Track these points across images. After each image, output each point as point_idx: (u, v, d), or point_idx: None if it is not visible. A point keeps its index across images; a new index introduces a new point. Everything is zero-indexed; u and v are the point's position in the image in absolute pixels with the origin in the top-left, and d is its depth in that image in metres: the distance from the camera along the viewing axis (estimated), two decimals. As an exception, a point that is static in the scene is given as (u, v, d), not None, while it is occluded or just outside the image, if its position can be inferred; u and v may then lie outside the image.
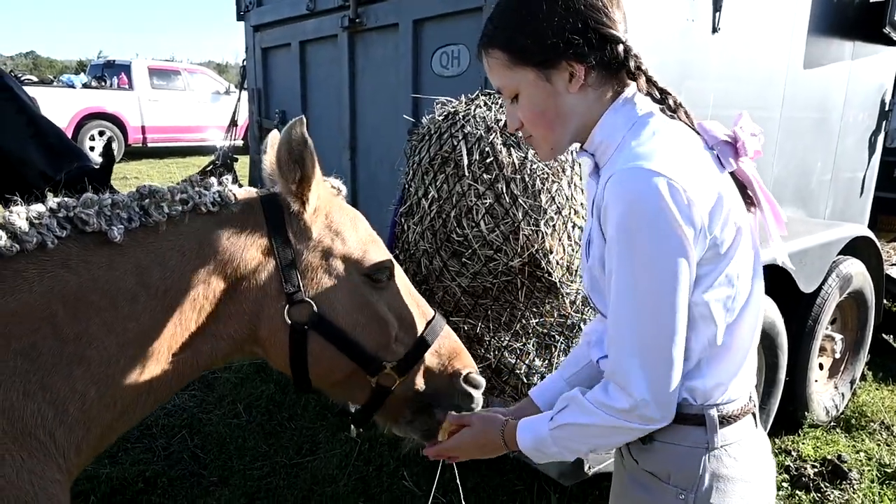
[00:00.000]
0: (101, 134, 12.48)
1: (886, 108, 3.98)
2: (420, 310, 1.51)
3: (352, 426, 1.57)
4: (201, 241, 1.29)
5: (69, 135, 11.69)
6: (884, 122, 4.01)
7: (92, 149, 11.98)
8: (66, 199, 1.23)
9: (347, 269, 1.40)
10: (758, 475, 1.22)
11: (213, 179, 1.38)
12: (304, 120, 1.29)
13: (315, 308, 1.34)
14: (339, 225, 1.42)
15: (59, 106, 11.60)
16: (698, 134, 1.19)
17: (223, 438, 3.45)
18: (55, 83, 13.20)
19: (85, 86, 12.97)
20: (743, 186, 1.21)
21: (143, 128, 13.13)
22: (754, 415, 1.25)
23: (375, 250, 1.45)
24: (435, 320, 1.52)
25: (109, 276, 1.20)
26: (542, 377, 1.96)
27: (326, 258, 1.39)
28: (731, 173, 1.19)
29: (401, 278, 1.51)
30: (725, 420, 1.17)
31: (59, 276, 1.16)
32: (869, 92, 3.83)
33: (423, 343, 1.47)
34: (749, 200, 1.22)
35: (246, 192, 1.41)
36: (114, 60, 14.31)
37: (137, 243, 1.25)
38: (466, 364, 1.53)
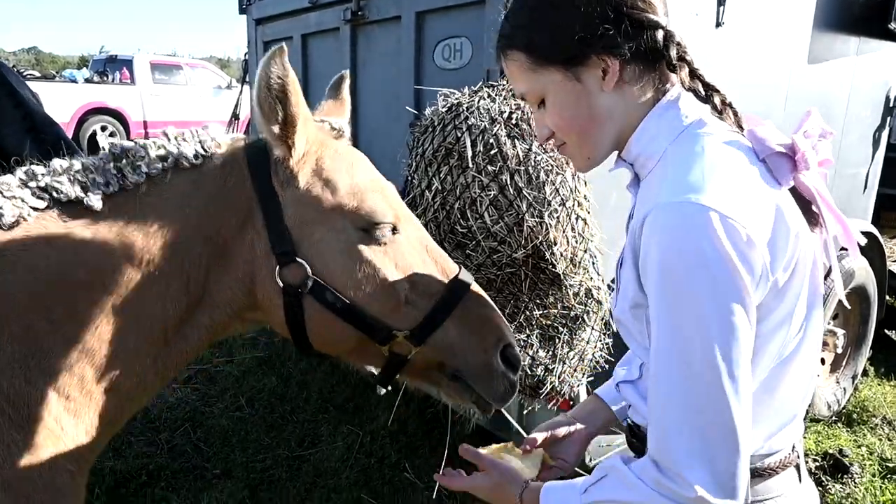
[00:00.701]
0: (104, 129, 12.47)
1: (891, 105, 3.97)
2: (439, 267, 1.31)
3: (377, 386, 1.39)
4: (181, 202, 1.18)
5: (71, 130, 11.71)
6: (888, 119, 3.99)
7: (95, 143, 11.99)
8: (32, 167, 1.13)
9: (342, 223, 1.23)
10: None
11: (195, 128, 1.26)
12: (285, 49, 1.13)
13: (309, 269, 1.20)
14: (331, 172, 1.24)
15: (61, 101, 11.58)
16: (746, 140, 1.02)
17: (226, 431, 3.46)
18: (57, 78, 13.18)
19: (87, 81, 12.95)
20: (804, 202, 1.03)
21: (144, 122, 13.11)
22: (798, 467, 1.08)
23: (374, 200, 1.25)
24: (459, 280, 1.30)
25: (93, 248, 1.11)
26: (547, 369, 1.96)
27: (318, 211, 1.22)
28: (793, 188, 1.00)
29: (413, 231, 1.32)
30: (761, 473, 1.03)
31: (41, 252, 1.08)
32: (873, 88, 3.82)
33: (443, 307, 1.27)
34: (812, 218, 1.03)
35: (231, 140, 1.28)
36: (116, 55, 14.29)
37: (118, 209, 1.14)
38: (502, 334, 1.30)
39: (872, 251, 3.64)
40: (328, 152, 1.27)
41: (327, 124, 1.34)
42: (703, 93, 1.05)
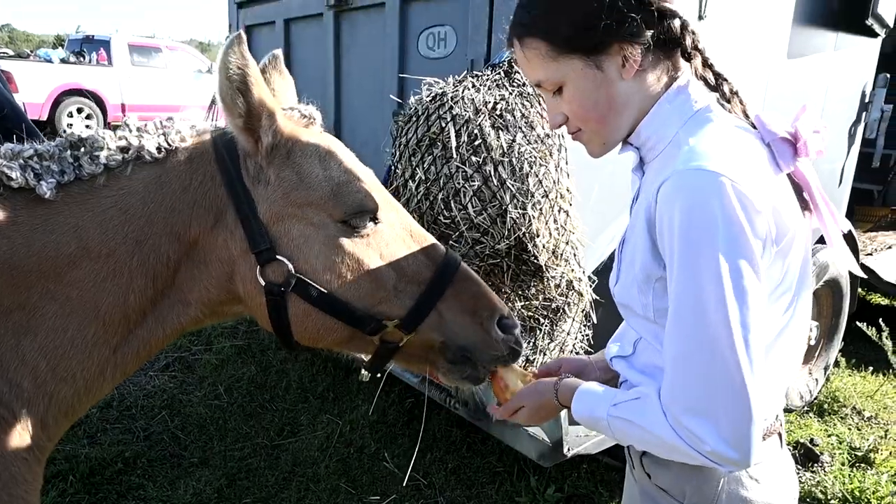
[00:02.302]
0: (80, 111, 12.22)
1: (866, 100, 4.03)
2: (425, 252, 1.28)
3: (362, 370, 1.38)
4: (145, 197, 1.13)
5: (46, 111, 11.46)
6: (863, 114, 4.06)
7: (70, 125, 11.75)
8: None
9: (319, 217, 1.19)
10: (779, 499, 1.12)
11: (160, 120, 1.20)
12: (244, 37, 1.07)
13: (291, 267, 1.16)
14: (303, 164, 1.20)
15: (35, 81, 11.34)
16: (754, 128, 1.07)
17: (203, 420, 3.44)
18: (32, 58, 12.85)
19: (63, 61, 12.66)
20: (798, 188, 1.09)
21: (123, 105, 12.87)
22: (780, 435, 1.14)
23: (351, 190, 1.21)
24: (447, 262, 1.28)
25: (45, 238, 1.08)
26: (528, 360, 1.97)
27: (293, 206, 1.18)
28: (788, 174, 1.06)
29: (395, 217, 1.29)
30: None
31: None
32: (850, 83, 3.87)
33: (433, 291, 1.24)
34: (804, 204, 1.09)
35: (199, 133, 1.23)
36: (93, 36, 13.96)
37: (73, 200, 1.10)
38: (495, 307, 1.29)
39: (846, 245, 3.71)
40: (299, 143, 1.22)
41: (297, 112, 1.29)
42: (714, 81, 1.09)
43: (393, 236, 1.26)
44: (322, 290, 1.18)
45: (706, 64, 1.08)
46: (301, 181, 1.19)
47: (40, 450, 1.12)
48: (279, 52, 1.45)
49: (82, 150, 1.12)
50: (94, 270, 1.11)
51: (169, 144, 1.18)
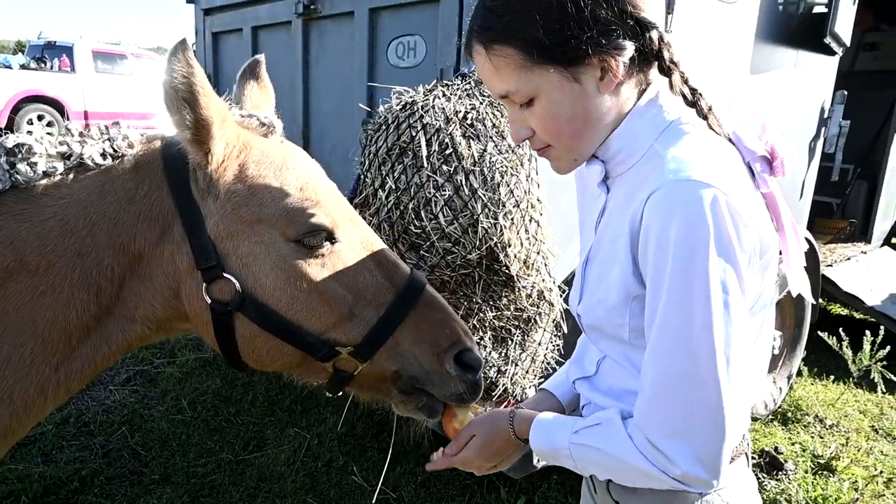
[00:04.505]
0: (41, 118, 11.92)
1: (825, 116, 4.15)
2: (386, 273, 1.21)
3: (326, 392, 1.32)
4: (87, 207, 1.07)
5: (4, 118, 11.13)
6: (822, 129, 4.17)
7: (30, 132, 11.43)
8: None
9: (270, 235, 1.12)
10: None
11: (105, 125, 1.13)
12: (188, 42, 1.02)
13: (238, 285, 1.10)
14: (256, 178, 1.12)
15: (-7, 87, 11.04)
16: (733, 145, 1.04)
17: (165, 435, 3.34)
18: (-10, 63, 12.52)
19: (23, 67, 12.35)
20: (768, 207, 1.04)
21: (85, 113, 12.58)
22: (746, 455, 1.13)
23: (305, 207, 1.13)
24: (409, 284, 1.20)
25: None
26: (499, 370, 1.95)
27: (242, 223, 1.11)
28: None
29: (356, 235, 1.22)
30: None
31: None
32: (809, 99, 3.99)
33: (392, 317, 1.17)
34: (775, 223, 1.05)
35: (147, 141, 1.16)
36: (55, 42, 13.65)
37: (8, 209, 1.04)
38: (456, 339, 1.21)
39: (807, 256, 3.81)
40: (253, 155, 1.15)
41: (255, 120, 1.21)
42: (691, 97, 1.05)
43: (351, 256, 1.19)
44: (271, 311, 1.12)
45: (683, 79, 1.04)
46: (252, 196, 1.12)
47: None
48: (262, 57, 1.39)
49: (19, 156, 1.05)
50: (32, 284, 1.04)
51: (115, 150, 1.11)
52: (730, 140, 1.05)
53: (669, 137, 0.99)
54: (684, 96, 1.05)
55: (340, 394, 1.31)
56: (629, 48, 0.96)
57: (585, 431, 1.04)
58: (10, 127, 11.28)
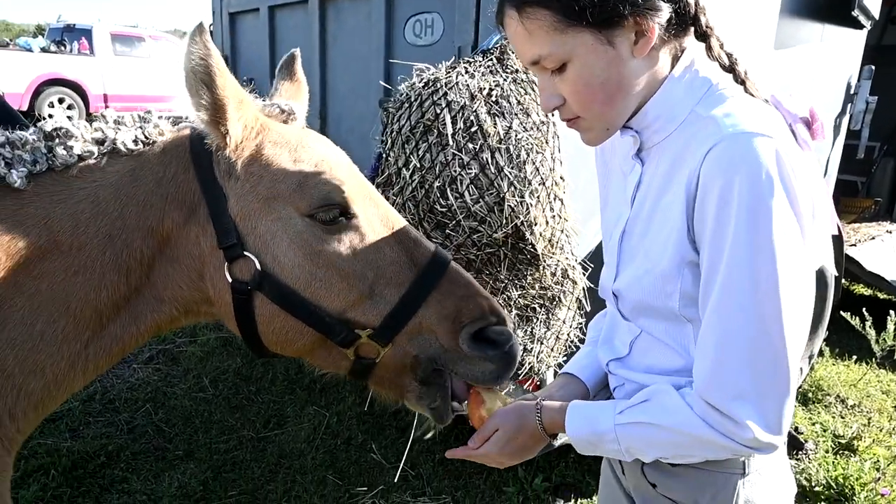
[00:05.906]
0: (61, 101, 12.02)
1: (852, 91, 4.05)
2: (407, 251, 1.18)
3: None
4: (118, 189, 1.10)
5: (27, 101, 11.26)
6: (849, 105, 4.08)
7: (51, 116, 11.56)
8: None
9: (286, 211, 1.13)
10: (784, 499, 1.10)
11: (138, 113, 1.17)
12: (205, 26, 1.03)
13: (258, 264, 1.12)
14: (272, 157, 1.15)
15: (15, 70, 11.14)
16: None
17: (188, 412, 3.40)
18: (11, 46, 12.61)
19: (43, 50, 12.43)
20: None
21: (105, 96, 12.67)
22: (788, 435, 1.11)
23: (315, 182, 1.14)
24: (433, 261, 1.17)
25: (14, 230, 1.05)
26: (525, 349, 1.95)
27: (259, 202, 1.13)
28: None
29: (374, 212, 1.21)
30: None
31: None
32: (836, 75, 3.89)
33: (413, 296, 1.14)
34: None
35: (177, 127, 1.20)
36: (74, 24, 13.71)
37: (44, 190, 1.08)
38: (483, 312, 1.16)
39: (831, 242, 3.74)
40: (270, 136, 1.17)
41: (276, 107, 1.24)
42: (728, 62, 1.03)
43: (371, 233, 1.17)
44: (289, 289, 1.13)
45: (720, 43, 1.02)
46: (268, 173, 1.14)
47: (10, 441, 1.11)
48: (297, 51, 1.41)
49: (56, 140, 1.10)
50: (65, 264, 1.08)
51: (146, 137, 1.15)
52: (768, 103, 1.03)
53: (711, 100, 0.97)
54: (720, 62, 1.02)
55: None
56: (665, 9, 0.93)
57: (632, 410, 1.00)
58: (32, 110, 11.41)
